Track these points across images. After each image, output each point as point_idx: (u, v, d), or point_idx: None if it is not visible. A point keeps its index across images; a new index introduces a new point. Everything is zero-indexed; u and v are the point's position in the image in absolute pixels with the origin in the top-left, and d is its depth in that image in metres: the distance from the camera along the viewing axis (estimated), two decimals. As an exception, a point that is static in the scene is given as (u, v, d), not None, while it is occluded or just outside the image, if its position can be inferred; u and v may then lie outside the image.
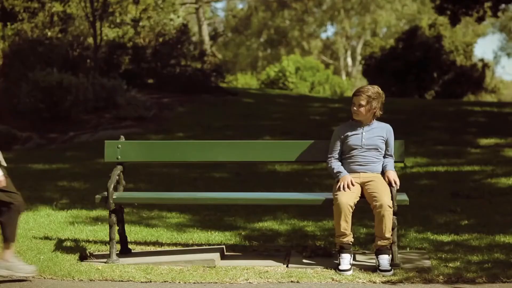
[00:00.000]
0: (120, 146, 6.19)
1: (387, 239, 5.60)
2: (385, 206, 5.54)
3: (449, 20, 20.47)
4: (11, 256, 5.42)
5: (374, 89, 5.85)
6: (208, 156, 6.33)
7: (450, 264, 5.67)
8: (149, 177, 10.35)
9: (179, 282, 5.42)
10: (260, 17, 48.22)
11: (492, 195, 8.77)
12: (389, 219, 5.56)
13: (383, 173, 5.85)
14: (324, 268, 5.65)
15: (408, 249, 6.26)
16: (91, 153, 12.66)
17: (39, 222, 7.37)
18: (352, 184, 5.71)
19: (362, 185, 5.78)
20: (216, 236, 6.81)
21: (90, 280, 5.46)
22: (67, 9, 20.86)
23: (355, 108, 5.85)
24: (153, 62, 21.69)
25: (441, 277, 5.36)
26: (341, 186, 5.69)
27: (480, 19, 19.54)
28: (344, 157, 5.91)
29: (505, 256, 5.88)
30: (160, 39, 22.16)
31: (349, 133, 5.87)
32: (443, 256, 5.93)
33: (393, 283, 5.32)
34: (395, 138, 5.97)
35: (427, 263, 5.73)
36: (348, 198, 5.62)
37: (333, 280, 5.40)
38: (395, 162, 5.97)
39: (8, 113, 16.90)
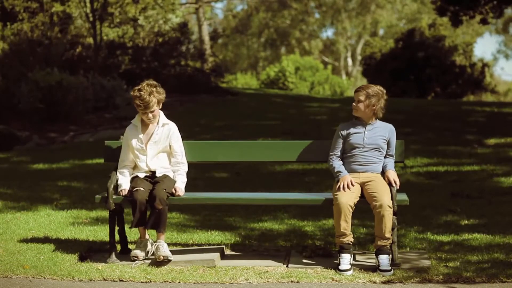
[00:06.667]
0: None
1: (387, 239, 5.60)
2: (385, 206, 5.55)
3: (450, 21, 20.39)
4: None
5: (375, 88, 5.87)
6: (208, 156, 6.34)
7: (450, 264, 5.68)
8: (149, 177, 10.32)
9: (179, 282, 5.42)
10: (260, 17, 48.21)
11: (492, 195, 8.76)
12: (389, 219, 5.56)
13: (383, 173, 5.85)
14: (324, 268, 5.65)
15: (408, 249, 6.26)
16: (91, 153, 12.65)
17: (39, 222, 7.36)
18: (352, 184, 5.71)
19: (362, 185, 5.78)
20: (216, 236, 6.80)
21: (90, 280, 5.47)
22: (66, 9, 20.87)
23: (354, 103, 5.88)
24: (153, 62, 21.69)
25: (440, 277, 5.37)
26: (341, 186, 5.69)
27: (483, 21, 19.38)
28: (345, 156, 5.91)
29: (505, 256, 5.88)
30: (160, 39, 22.16)
31: (351, 132, 5.88)
32: (442, 256, 5.93)
33: (393, 283, 5.33)
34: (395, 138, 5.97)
35: (427, 263, 5.73)
36: (348, 198, 5.62)
37: (333, 280, 5.41)
38: (395, 162, 5.97)
39: (8, 113, 16.91)
